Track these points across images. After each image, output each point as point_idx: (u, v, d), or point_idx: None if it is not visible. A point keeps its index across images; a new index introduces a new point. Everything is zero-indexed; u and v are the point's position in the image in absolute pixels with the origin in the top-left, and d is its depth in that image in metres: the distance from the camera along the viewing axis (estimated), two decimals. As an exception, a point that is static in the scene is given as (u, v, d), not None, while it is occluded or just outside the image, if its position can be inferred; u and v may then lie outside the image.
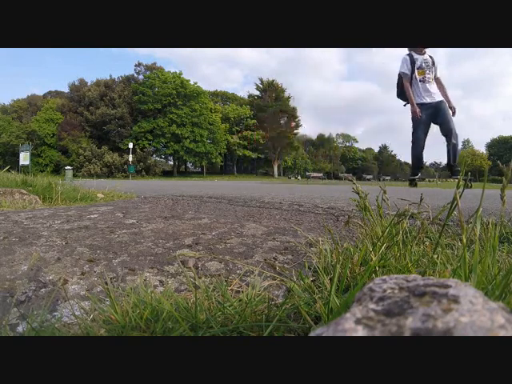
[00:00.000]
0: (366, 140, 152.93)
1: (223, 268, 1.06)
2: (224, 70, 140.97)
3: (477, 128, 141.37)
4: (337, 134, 65.31)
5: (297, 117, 45.57)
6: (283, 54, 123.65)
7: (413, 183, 6.66)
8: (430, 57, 6.29)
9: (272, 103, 43.18)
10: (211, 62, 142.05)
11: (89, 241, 1.32)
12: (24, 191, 2.93)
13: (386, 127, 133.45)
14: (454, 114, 6.10)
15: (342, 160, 58.88)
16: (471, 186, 6.29)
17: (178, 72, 38.03)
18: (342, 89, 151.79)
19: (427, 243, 1.02)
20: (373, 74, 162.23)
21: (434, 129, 6.25)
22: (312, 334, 0.32)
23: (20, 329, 0.66)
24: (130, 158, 27.61)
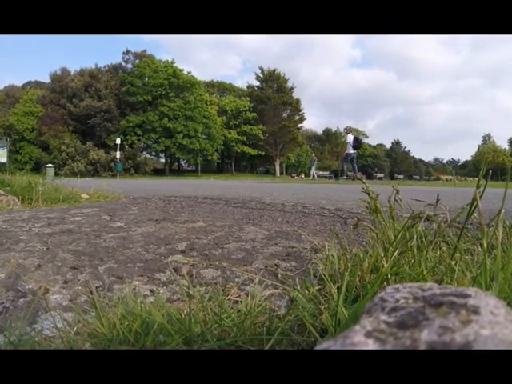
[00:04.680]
0: (377, 135, 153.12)
1: (220, 276, 1.06)
2: (221, 56, 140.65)
3: (502, 121, 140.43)
4: (344, 129, 65.34)
5: (301, 109, 45.53)
6: (286, 36, 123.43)
7: None
8: None
9: (273, 94, 43.15)
10: (207, 47, 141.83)
11: (72, 246, 1.32)
12: (1, 191, 2.93)
13: (400, 121, 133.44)
14: None
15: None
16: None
17: (170, 60, 38.04)
18: (353, 77, 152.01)
19: (444, 248, 1.02)
20: (388, 59, 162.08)
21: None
22: (318, 347, 0.32)
23: (-3, 342, 0.65)
24: (118, 155, 27.51)
